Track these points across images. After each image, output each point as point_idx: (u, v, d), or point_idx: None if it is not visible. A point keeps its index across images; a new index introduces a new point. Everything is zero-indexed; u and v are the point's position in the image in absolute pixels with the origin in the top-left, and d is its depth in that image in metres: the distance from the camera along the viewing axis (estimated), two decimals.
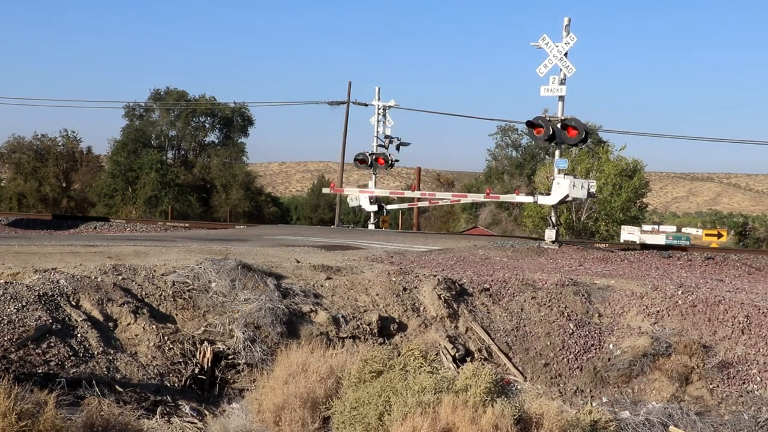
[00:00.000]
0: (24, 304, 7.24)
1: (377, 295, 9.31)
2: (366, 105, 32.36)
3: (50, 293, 7.58)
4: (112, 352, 7.17)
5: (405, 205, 30.54)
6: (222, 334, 7.92)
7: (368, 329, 8.62)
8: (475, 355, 8.80)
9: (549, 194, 16.69)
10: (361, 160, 23.80)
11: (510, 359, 8.95)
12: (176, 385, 7.18)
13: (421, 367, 6.90)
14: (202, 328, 7.97)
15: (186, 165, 57.79)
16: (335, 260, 11.25)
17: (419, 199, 29.94)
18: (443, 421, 5.92)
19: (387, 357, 6.96)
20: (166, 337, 7.60)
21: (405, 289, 9.55)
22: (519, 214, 40.72)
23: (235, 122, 58.42)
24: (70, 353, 6.87)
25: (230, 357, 7.68)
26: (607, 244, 21.21)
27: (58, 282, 7.85)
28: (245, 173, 57.61)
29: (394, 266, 10.72)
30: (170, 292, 8.38)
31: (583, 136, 16.20)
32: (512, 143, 62.79)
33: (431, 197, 23.94)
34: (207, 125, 59.31)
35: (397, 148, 24.25)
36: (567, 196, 16.25)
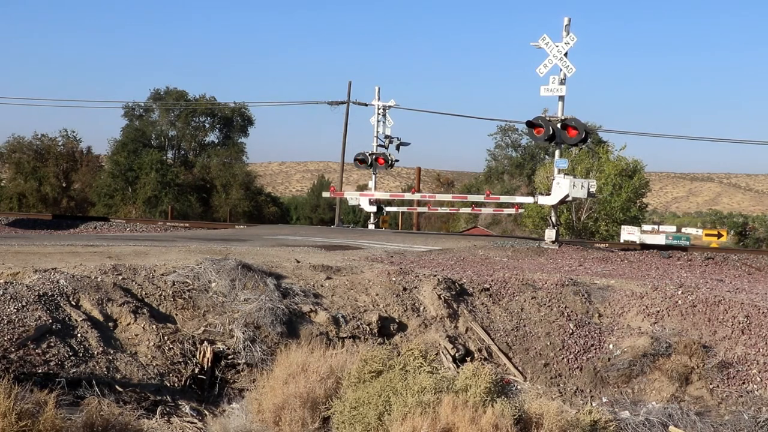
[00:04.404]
0: (24, 304, 7.24)
1: (377, 295, 9.31)
2: (366, 105, 32.40)
3: (50, 293, 7.58)
4: (112, 352, 7.17)
5: (404, 209, 30.60)
6: (222, 334, 7.92)
7: (368, 329, 8.62)
8: (475, 355, 8.80)
9: (549, 194, 16.70)
10: (361, 160, 23.82)
11: (510, 359, 8.95)
12: (176, 385, 7.18)
13: (421, 367, 6.90)
14: (202, 328, 7.97)
15: (186, 165, 57.84)
16: (335, 260, 11.25)
17: (419, 202, 29.99)
18: (443, 421, 5.92)
19: (387, 357, 6.95)
20: (166, 337, 7.60)
21: (405, 289, 9.55)
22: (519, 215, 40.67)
23: (235, 122, 58.50)
24: (70, 353, 6.87)
25: (230, 357, 7.68)
26: (607, 244, 21.23)
27: (58, 282, 7.85)
28: (245, 173, 57.68)
29: (394, 266, 10.71)
30: (170, 292, 8.38)
31: (583, 136, 16.20)
32: (512, 143, 62.84)
33: (431, 200, 23.99)
34: (207, 125, 59.38)
35: (397, 148, 24.29)
36: (567, 196, 16.25)
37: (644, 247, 20.54)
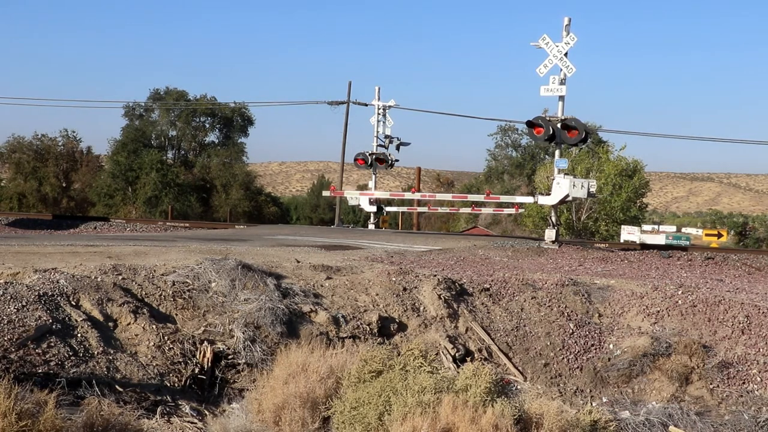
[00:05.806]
0: (24, 304, 7.24)
1: (377, 295, 9.31)
2: (366, 105, 32.40)
3: (50, 293, 7.58)
4: (112, 352, 7.17)
5: (404, 209, 30.61)
6: (222, 334, 7.92)
7: (368, 329, 8.62)
8: (475, 355, 8.80)
9: (549, 194, 16.70)
10: (361, 160, 23.82)
11: (510, 359, 8.95)
12: (176, 385, 7.18)
13: (421, 367, 6.90)
14: (202, 328, 7.97)
15: (186, 165, 57.81)
16: (335, 260, 11.25)
17: (419, 202, 30.00)
18: (443, 421, 5.92)
19: (387, 357, 6.95)
20: (166, 337, 7.60)
21: (405, 289, 9.55)
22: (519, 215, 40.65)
23: (235, 122, 58.44)
24: (70, 353, 6.87)
25: (230, 357, 7.68)
26: (607, 244, 21.22)
27: (58, 282, 7.85)
28: (245, 173, 57.63)
29: (394, 266, 10.71)
30: (170, 292, 8.38)
31: (583, 136, 16.21)
32: (512, 143, 62.81)
33: (431, 200, 24.00)
34: (207, 125, 59.34)
35: (397, 148, 24.29)
36: (567, 196, 16.25)
37: (644, 247, 20.53)
